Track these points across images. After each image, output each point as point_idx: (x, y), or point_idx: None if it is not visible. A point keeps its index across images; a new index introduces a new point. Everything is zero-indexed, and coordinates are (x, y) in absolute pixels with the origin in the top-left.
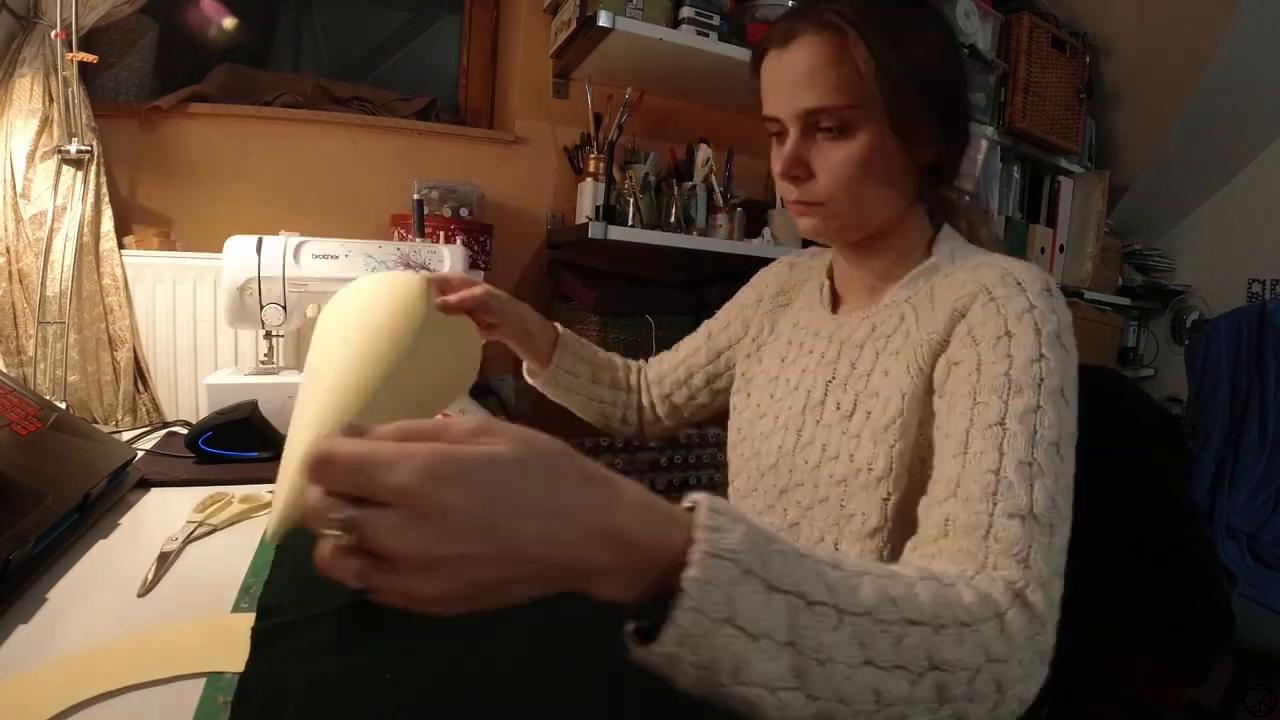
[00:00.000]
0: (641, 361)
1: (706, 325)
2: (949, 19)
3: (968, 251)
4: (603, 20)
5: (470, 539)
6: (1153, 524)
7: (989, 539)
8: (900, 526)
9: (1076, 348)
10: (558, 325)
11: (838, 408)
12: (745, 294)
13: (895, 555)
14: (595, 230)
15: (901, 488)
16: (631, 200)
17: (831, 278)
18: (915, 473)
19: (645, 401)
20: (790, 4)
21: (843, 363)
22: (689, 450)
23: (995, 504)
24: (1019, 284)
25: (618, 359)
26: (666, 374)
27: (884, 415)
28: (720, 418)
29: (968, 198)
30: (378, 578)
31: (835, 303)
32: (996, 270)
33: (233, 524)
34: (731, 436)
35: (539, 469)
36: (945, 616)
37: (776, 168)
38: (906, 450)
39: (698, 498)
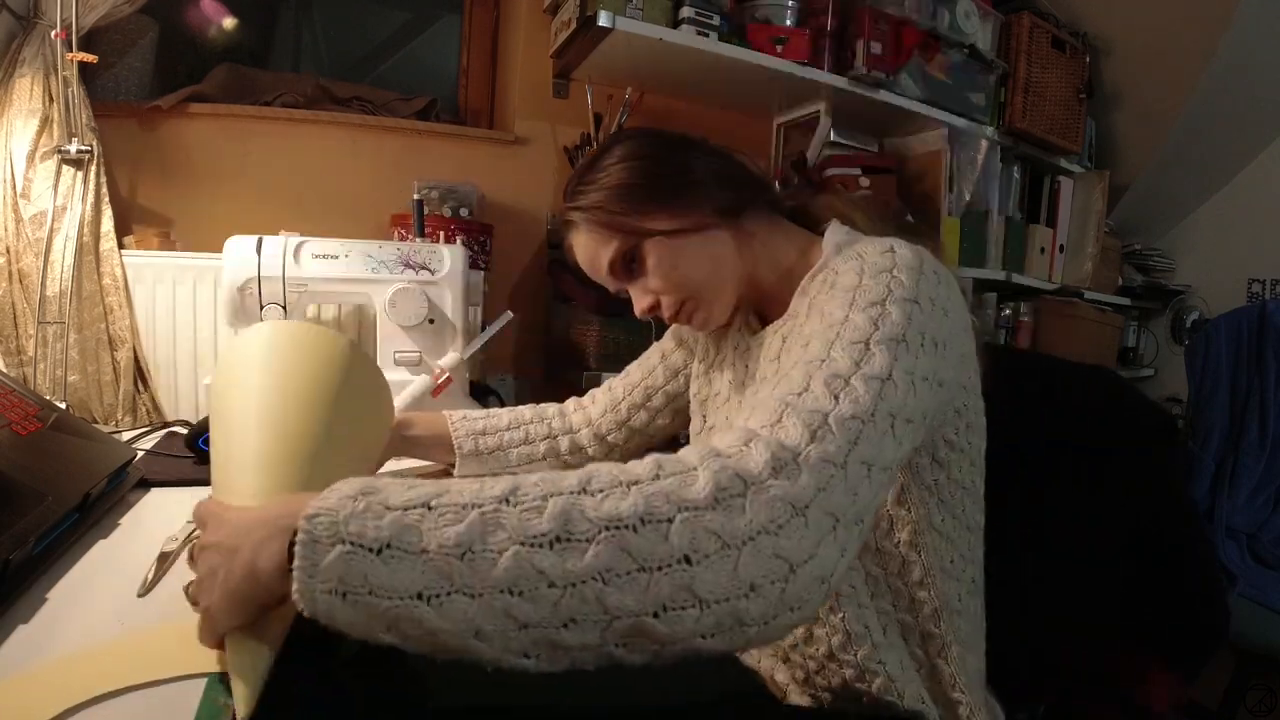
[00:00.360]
0: (573, 402)
1: (659, 346)
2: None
3: (857, 242)
4: (603, 20)
5: (213, 535)
6: (1152, 524)
7: (745, 423)
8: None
9: (940, 289)
10: (447, 417)
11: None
12: (680, 324)
13: (866, 579)
14: None
15: None
16: None
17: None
18: None
19: (585, 440)
20: (790, 4)
21: (765, 378)
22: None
23: (786, 404)
24: (859, 256)
25: (527, 413)
26: (614, 404)
27: None
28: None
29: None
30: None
31: (764, 321)
32: (845, 255)
33: None
34: None
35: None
36: (596, 483)
37: (640, 313)
38: None
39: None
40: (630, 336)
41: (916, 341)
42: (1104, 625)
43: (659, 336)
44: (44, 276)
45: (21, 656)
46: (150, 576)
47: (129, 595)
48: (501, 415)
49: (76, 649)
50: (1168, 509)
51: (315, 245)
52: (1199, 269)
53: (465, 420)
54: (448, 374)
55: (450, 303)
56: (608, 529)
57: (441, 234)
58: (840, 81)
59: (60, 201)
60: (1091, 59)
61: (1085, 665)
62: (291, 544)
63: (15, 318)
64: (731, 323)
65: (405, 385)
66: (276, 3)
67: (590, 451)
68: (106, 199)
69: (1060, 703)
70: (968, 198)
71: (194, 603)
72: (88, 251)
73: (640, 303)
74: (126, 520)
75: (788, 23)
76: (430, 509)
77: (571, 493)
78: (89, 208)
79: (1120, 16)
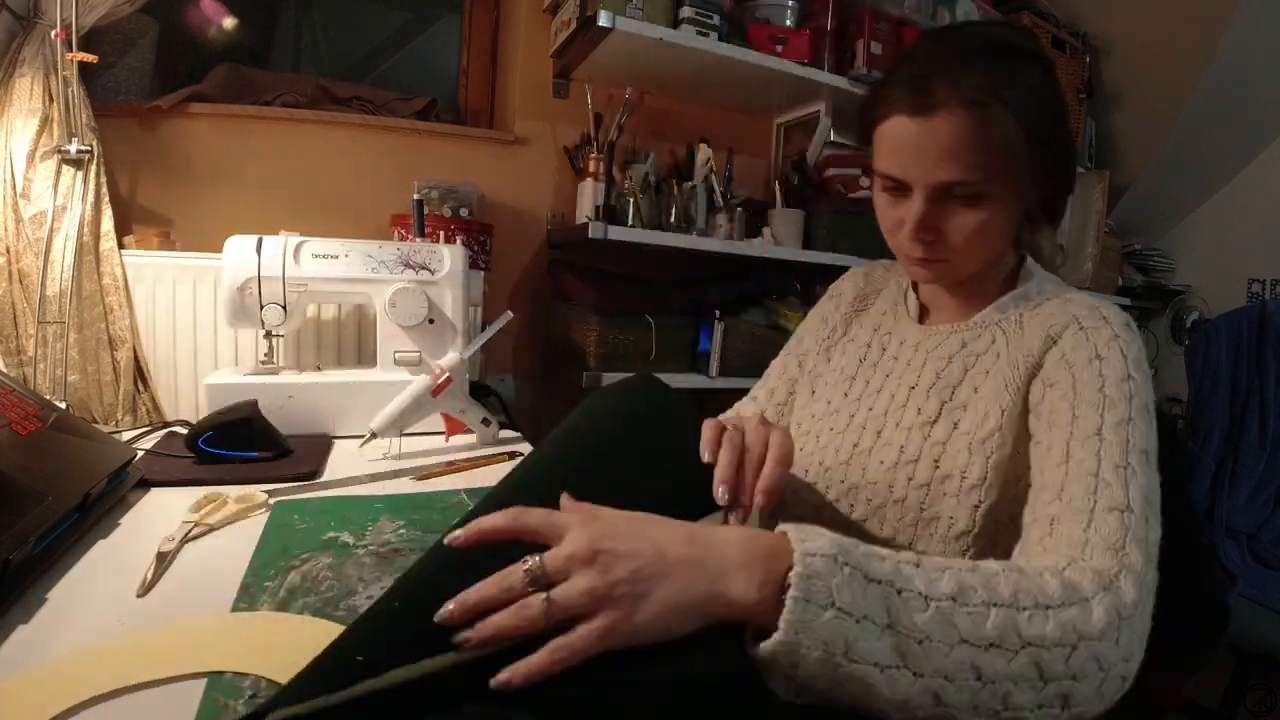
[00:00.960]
0: (739, 409)
1: (793, 349)
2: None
3: (1053, 283)
4: (603, 20)
5: (625, 545)
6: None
7: (1089, 530)
8: (988, 530)
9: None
10: None
11: (919, 413)
12: (822, 308)
13: (979, 557)
14: (595, 230)
15: (993, 497)
16: (631, 200)
17: (917, 289)
18: (1008, 485)
19: None
20: (790, 4)
21: (927, 371)
22: None
23: (1095, 501)
24: (1104, 318)
25: (729, 422)
26: (764, 407)
27: (982, 428)
28: None
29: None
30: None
31: (922, 314)
32: (1084, 305)
33: (228, 524)
34: (793, 429)
35: (656, 517)
36: (1025, 600)
37: (894, 223)
38: (1003, 462)
39: (784, 526)
40: (630, 336)
41: (1151, 411)
42: None
43: (659, 336)
44: (44, 276)
45: (21, 656)
46: (149, 576)
47: (129, 595)
48: None
49: (76, 649)
50: (1167, 508)
51: (315, 245)
52: (1199, 269)
53: None
54: (448, 374)
55: (450, 303)
56: (1031, 646)
57: (441, 234)
58: (840, 81)
59: (60, 201)
60: (1091, 59)
61: None
62: (780, 583)
63: (15, 318)
64: (869, 311)
65: (405, 385)
66: (276, 3)
67: None
68: (106, 199)
69: None
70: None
71: (560, 614)
72: (88, 251)
73: (921, 231)
74: (126, 520)
75: (788, 23)
76: (898, 593)
77: (1006, 606)
78: (89, 208)
79: (1120, 16)
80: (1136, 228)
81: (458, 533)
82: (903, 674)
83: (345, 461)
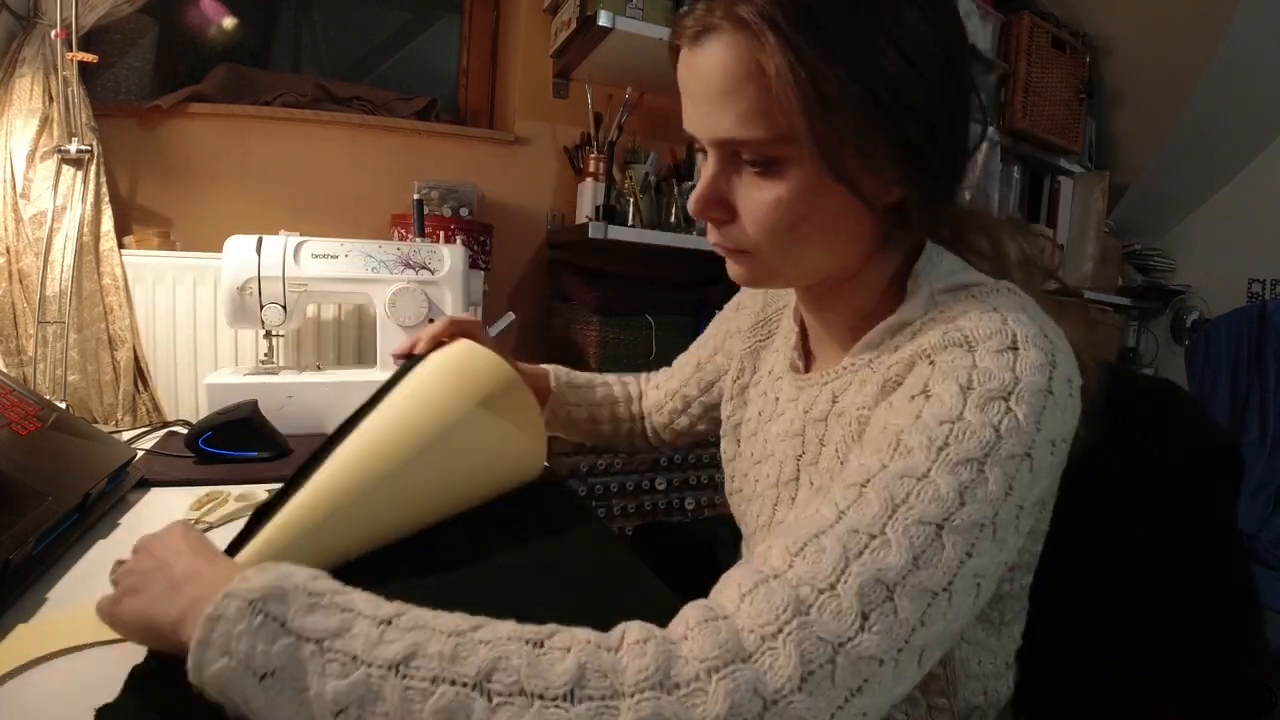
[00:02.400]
0: (640, 386)
1: (695, 353)
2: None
3: (954, 296)
4: (603, 20)
5: (142, 558)
6: (1200, 572)
7: (745, 600)
8: None
9: (1066, 416)
10: (550, 373)
11: (811, 486)
12: (729, 321)
13: None
14: (595, 230)
15: None
16: (631, 200)
17: (802, 324)
18: None
19: (648, 428)
20: None
21: (810, 437)
22: (689, 450)
23: (790, 566)
24: (968, 345)
25: (616, 389)
26: (664, 402)
27: None
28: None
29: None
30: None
31: (807, 358)
32: (945, 329)
33: (228, 522)
34: (727, 482)
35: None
36: (498, 681)
37: (690, 202)
38: None
39: (266, 565)
40: (630, 336)
41: (1010, 520)
42: (1130, 676)
43: (659, 336)
44: (44, 276)
45: None
46: None
47: None
48: (596, 400)
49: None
50: (1215, 554)
51: (315, 245)
52: (1199, 269)
53: (565, 401)
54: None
55: (450, 303)
56: None
57: (441, 234)
58: None
59: (60, 201)
60: (1091, 59)
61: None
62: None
63: (15, 318)
64: (774, 342)
65: None
66: (276, 3)
67: (652, 440)
68: (106, 199)
69: None
70: (968, 198)
71: (114, 583)
72: (88, 251)
73: (707, 205)
74: (126, 520)
75: None
76: (323, 650)
77: (467, 686)
78: (89, 207)
79: (1120, 16)
80: (1136, 228)
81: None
82: None
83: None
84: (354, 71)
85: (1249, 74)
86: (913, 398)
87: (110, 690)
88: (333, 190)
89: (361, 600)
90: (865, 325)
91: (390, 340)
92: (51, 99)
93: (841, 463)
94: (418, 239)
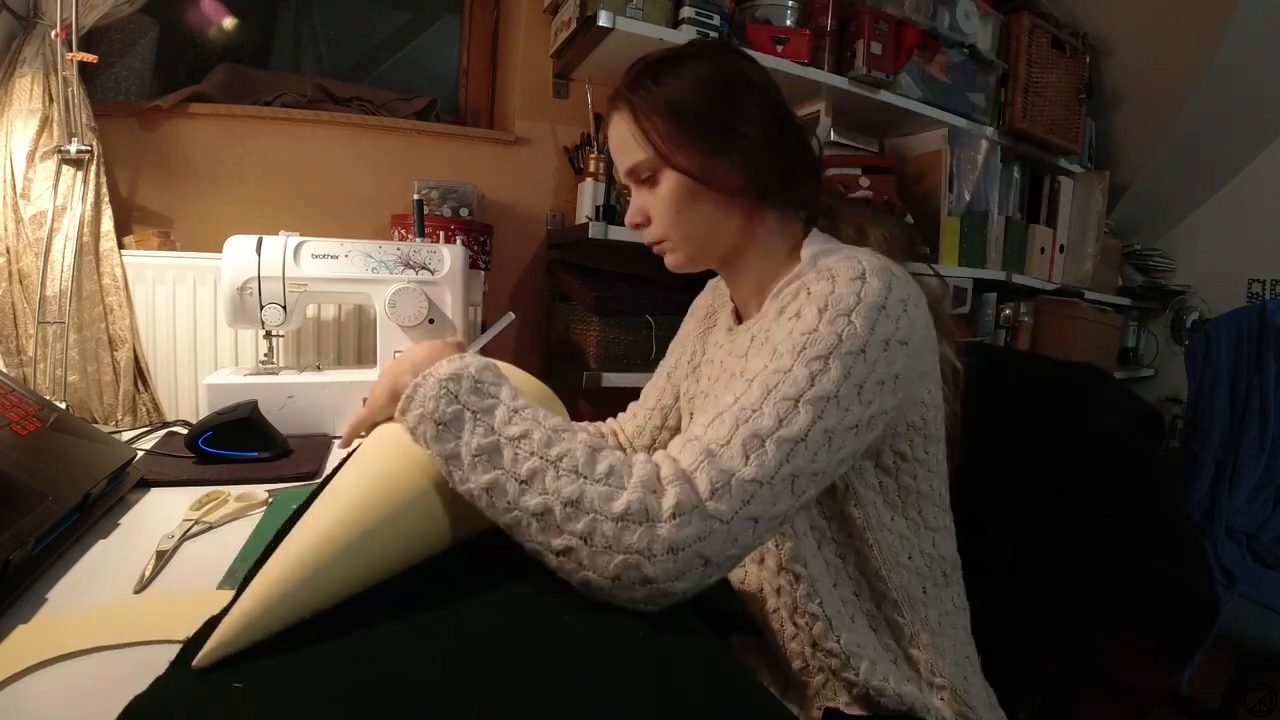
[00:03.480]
0: (613, 423)
1: (662, 366)
2: (728, 58)
3: (831, 253)
4: (603, 20)
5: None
6: (1137, 516)
7: (679, 452)
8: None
9: (897, 325)
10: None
11: None
12: (685, 326)
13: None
14: (595, 230)
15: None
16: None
17: (734, 299)
18: None
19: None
20: (790, 4)
21: (736, 373)
22: None
23: (704, 434)
24: (831, 278)
25: (590, 428)
26: (643, 424)
27: None
28: None
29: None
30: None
31: (739, 319)
32: (819, 270)
33: (228, 522)
34: None
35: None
36: (567, 463)
37: (626, 219)
38: None
39: (470, 353)
40: (630, 336)
41: (851, 394)
42: (1094, 613)
43: (659, 336)
44: (44, 276)
45: None
46: (147, 574)
47: (128, 595)
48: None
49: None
50: (1151, 504)
51: (315, 245)
52: (1199, 269)
53: None
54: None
55: (450, 303)
56: (547, 495)
57: (441, 234)
58: (840, 81)
59: (60, 201)
60: (1091, 59)
61: (1079, 654)
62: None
63: (15, 318)
64: (718, 325)
65: None
66: (276, 3)
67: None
68: (106, 199)
69: (1057, 690)
70: (968, 198)
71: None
72: (88, 251)
73: (632, 216)
74: (126, 520)
75: (788, 23)
76: (474, 418)
77: (548, 460)
78: (89, 208)
79: (1120, 16)
80: (1136, 228)
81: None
82: (457, 473)
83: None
84: (354, 71)
85: (1249, 74)
86: (789, 319)
87: (111, 693)
88: (333, 190)
89: (506, 392)
90: (768, 287)
91: (390, 340)
92: (51, 99)
93: None
94: (418, 239)
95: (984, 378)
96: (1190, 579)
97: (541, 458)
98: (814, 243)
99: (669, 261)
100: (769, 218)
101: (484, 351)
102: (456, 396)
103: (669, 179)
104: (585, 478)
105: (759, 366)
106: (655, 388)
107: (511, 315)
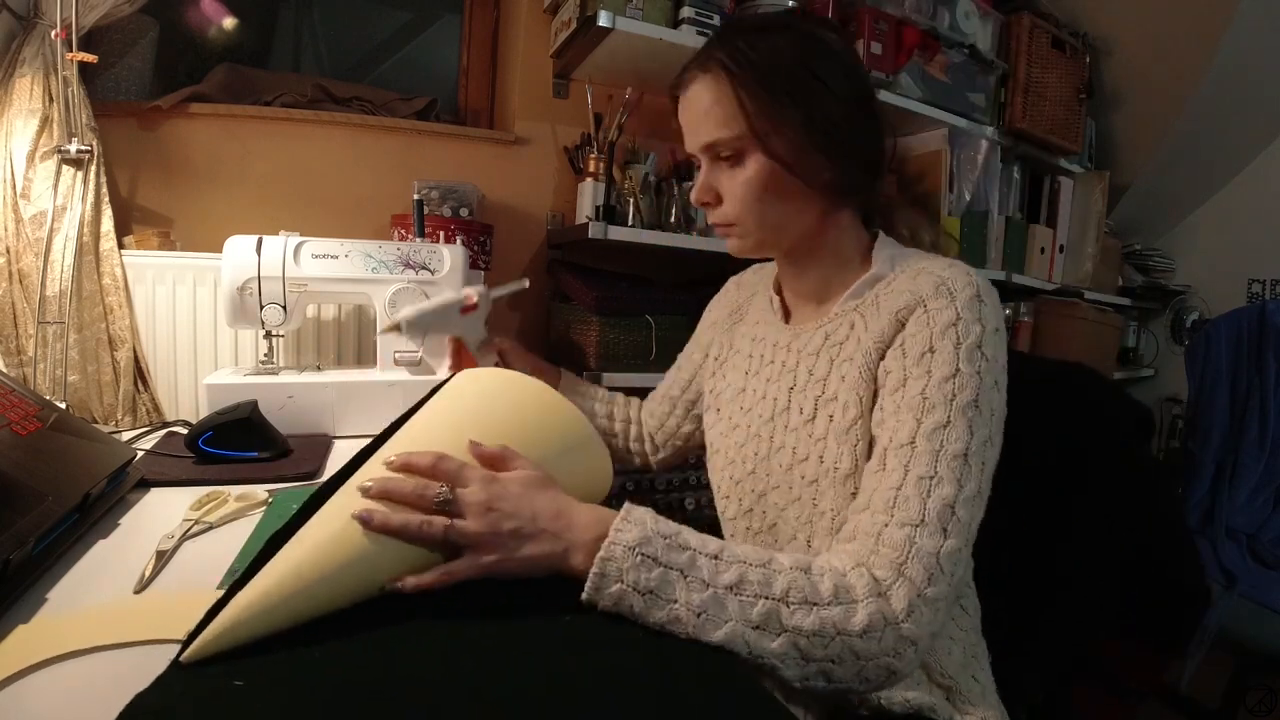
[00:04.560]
0: (638, 400)
1: (679, 358)
2: (836, 46)
3: (907, 257)
4: (603, 20)
5: (511, 508)
6: (1132, 513)
7: (878, 544)
8: None
9: (1004, 342)
10: (560, 369)
11: (800, 412)
12: (704, 320)
13: None
14: (595, 230)
15: None
16: (631, 200)
17: (779, 291)
18: None
19: (645, 433)
20: (790, 3)
21: (801, 370)
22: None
23: (892, 516)
24: (951, 293)
25: (619, 398)
26: (656, 409)
27: (844, 418)
28: None
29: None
30: (453, 530)
31: (786, 315)
32: (933, 279)
33: (228, 522)
34: (708, 449)
35: (545, 483)
36: (794, 596)
37: (692, 194)
38: (870, 448)
39: (624, 510)
40: (630, 336)
41: (998, 427)
42: (1090, 611)
43: (659, 336)
44: (44, 276)
45: None
46: (147, 574)
47: (128, 596)
48: (598, 396)
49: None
50: (1145, 501)
51: (315, 245)
52: (1199, 269)
53: (571, 379)
54: (475, 299)
55: None
56: (788, 633)
57: (441, 234)
58: None
59: (60, 201)
60: (1091, 59)
61: (1078, 651)
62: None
63: (15, 318)
64: (749, 319)
65: (401, 383)
66: (276, 3)
67: (636, 455)
68: (106, 199)
69: (1058, 686)
70: (968, 198)
71: (444, 538)
72: (88, 251)
73: (701, 194)
74: (126, 520)
75: None
76: (684, 576)
77: (775, 599)
78: (89, 208)
79: (1120, 16)
80: (1136, 228)
81: (391, 456)
82: (680, 631)
83: (346, 461)
84: (354, 71)
85: (1249, 74)
86: (922, 355)
87: (111, 693)
88: (333, 190)
89: (694, 539)
90: (834, 286)
91: (390, 340)
92: (51, 99)
93: (842, 378)
94: (418, 239)
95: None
96: (1184, 574)
97: (767, 598)
98: (886, 244)
99: (733, 246)
100: (844, 216)
101: (492, 311)
102: (656, 560)
103: (757, 163)
104: (816, 605)
105: (909, 423)
106: (669, 378)
107: (526, 281)
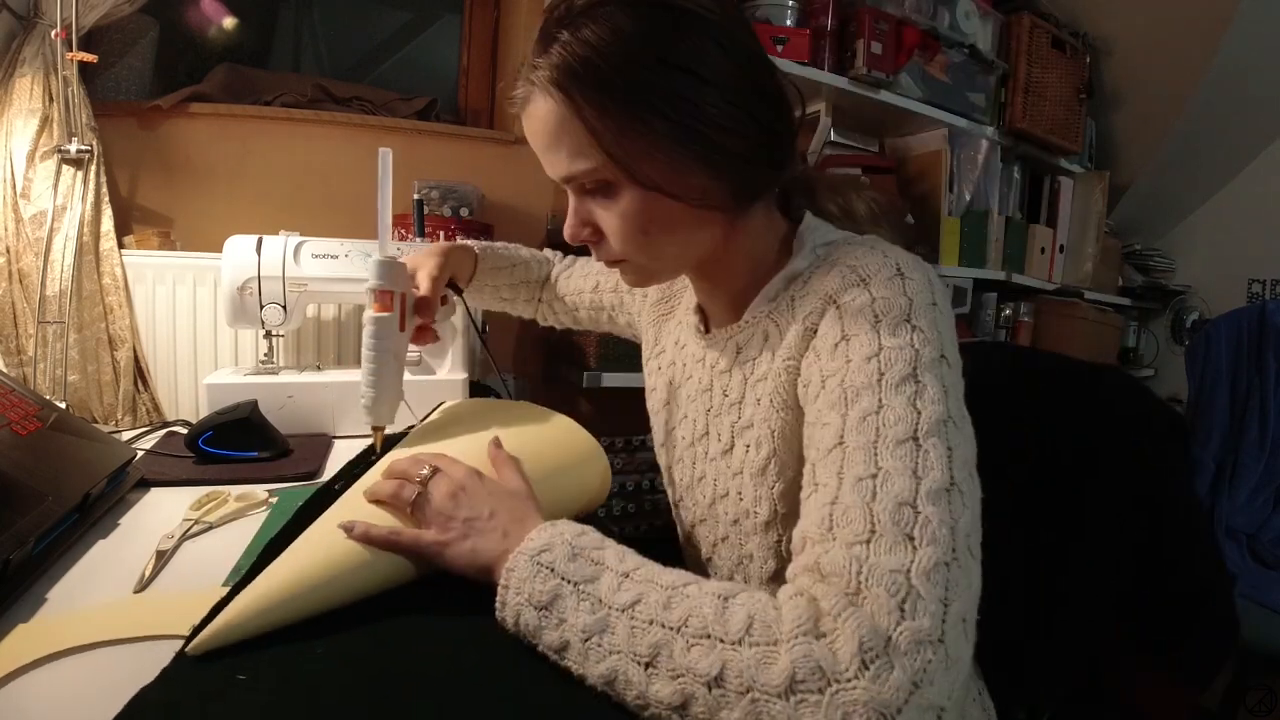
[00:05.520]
0: (557, 262)
1: (596, 276)
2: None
3: (832, 242)
4: None
5: (476, 500)
6: (1156, 530)
7: (820, 579)
8: None
9: (948, 319)
10: (475, 251)
11: (719, 440)
12: (635, 299)
13: None
14: None
15: (791, 526)
16: None
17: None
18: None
19: (545, 297)
20: (790, 4)
21: (716, 390)
22: None
23: (832, 537)
24: (862, 280)
25: (533, 271)
26: (566, 292)
27: (758, 456)
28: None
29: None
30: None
31: (706, 323)
32: (840, 271)
33: (228, 522)
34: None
35: (523, 495)
36: (693, 625)
37: (564, 231)
38: (790, 490)
39: (549, 524)
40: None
41: (958, 408)
42: (1103, 636)
43: None
44: (44, 276)
45: None
46: (147, 574)
47: (128, 595)
48: (515, 261)
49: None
50: (1172, 513)
51: (315, 245)
52: (1199, 269)
53: (486, 251)
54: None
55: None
56: (685, 677)
57: (441, 234)
58: (840, 81)
59: (60, 201)
60: (1091, 59)
61: (1085, 671)
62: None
63: (15, 318)
64: (675, 315)
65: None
66: (276, 3)
67: (540, 318)
68: (106, 199)
69: (1062, 711)
70: (968, 198)
71: (419, 508)
72: (88, 251)
73: (575, 231)
74: (126, 520)
75: (788, 23)
76: (578, 590)
77: (668, 627)
78: (89, 207)
79: (1120, 16)
80: (1136, 228)
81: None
82: (576, 669)
83: (345, 461)
84: (354, 71)
85: (1249, 74)
86: (835, 346)
87: (112, 689)
88: (333, 190)
89: (612, 555)
90: (750, 291)
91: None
92: (51, 99)
93: (757, 401)
94: (418, 239)
95: (988, 377)
96: (1209, 602)
97: (662, 625)
98: (810, 232)
99: (628, 280)
100: (755, 216)
101: (484, 351)
102: (552, 569)
103: (631, 195)
104: (721, 641)
105: (834, 421)
106: (582, 277)
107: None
